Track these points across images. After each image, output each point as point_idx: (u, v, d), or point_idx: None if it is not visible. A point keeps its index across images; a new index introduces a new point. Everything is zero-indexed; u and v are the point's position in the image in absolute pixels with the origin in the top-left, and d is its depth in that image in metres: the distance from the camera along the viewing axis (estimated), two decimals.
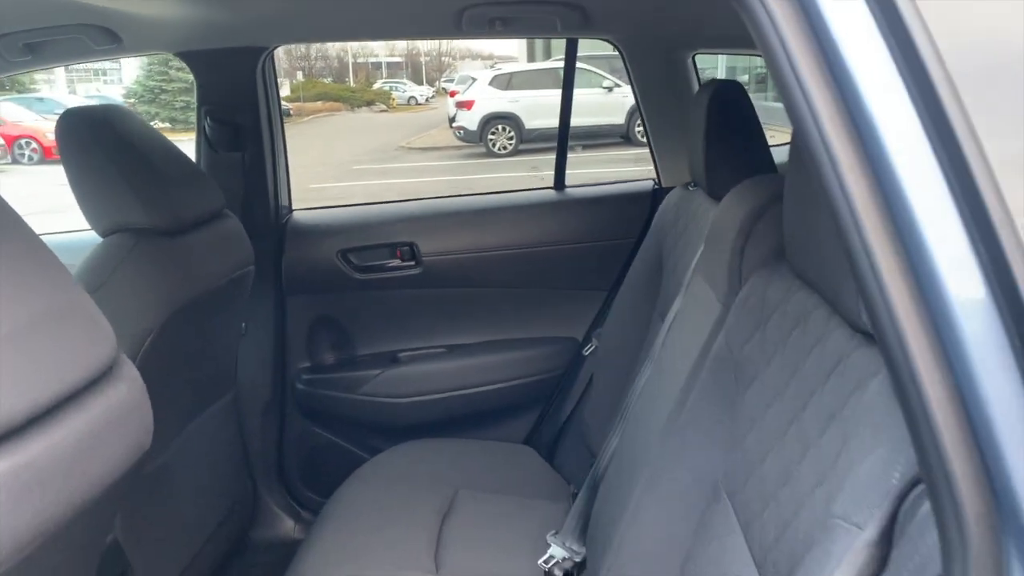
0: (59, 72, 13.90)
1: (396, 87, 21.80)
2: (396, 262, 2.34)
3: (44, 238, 0.98)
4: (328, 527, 1.79)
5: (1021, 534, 0.52)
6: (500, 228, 2.39)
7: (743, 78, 8.05)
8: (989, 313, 0.51)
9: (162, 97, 13.33)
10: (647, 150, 2.41)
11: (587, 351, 2.28)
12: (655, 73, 2.31)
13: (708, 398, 1.25)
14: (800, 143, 0.60)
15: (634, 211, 2.35)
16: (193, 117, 2.25)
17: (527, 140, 12.13)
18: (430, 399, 2.33)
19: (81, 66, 14.80)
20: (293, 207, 2.41)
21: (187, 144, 2.01)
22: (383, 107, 20.18)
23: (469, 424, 2.35)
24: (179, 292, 1.61)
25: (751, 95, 1.71)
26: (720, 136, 1.68)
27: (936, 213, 0.53)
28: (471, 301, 2.40)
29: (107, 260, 1.55)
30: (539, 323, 2.40)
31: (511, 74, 13.16)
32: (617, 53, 2.32)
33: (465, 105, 13.01)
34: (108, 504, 1.13)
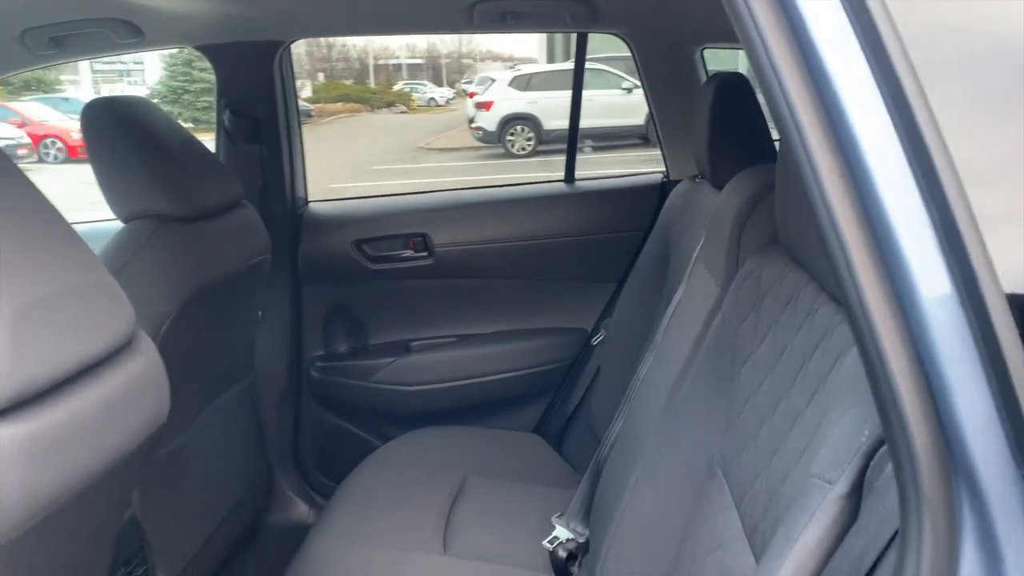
0: (84, 73, 14.10)
1: (416, 88, 21.88)
2: (409, 253, 2.39)
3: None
4: (339, 510, 1.83)
5: (969, 475, 0.56)
6: (511, 220, 2.43)
7: None
8: (939, 266, 0.54)
9: (185, 97, 13.47)
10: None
11: (595, 341, 2.32)
12: (664, 67, 2.35)
13: (705, 380, 1.29)
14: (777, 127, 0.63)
15: (643, 203, 2.39)
16: (215, 117, 2.31)
17: (546, 141, 12.15)
18: (441, 387, 2.38)
19: (106, 67, 15.02)
20: (309, 199, 2.46)
21: (209, 143, 2.07)
22: (403, 108, 20.25)
23: (479, 412, 2.39)
24: (196, 277, 1.66)
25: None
26: (724, 128, 1.72)
27: (900, 193, 0.57)
28: (482, 291, 2.44)
29: (128, 245, 1.60)
30: (549, 314, 2.44)
31: (530, 75, 13.18)
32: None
33: (484, 106, 13.05)
34: (126, 475, 1.18)
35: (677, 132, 2.38)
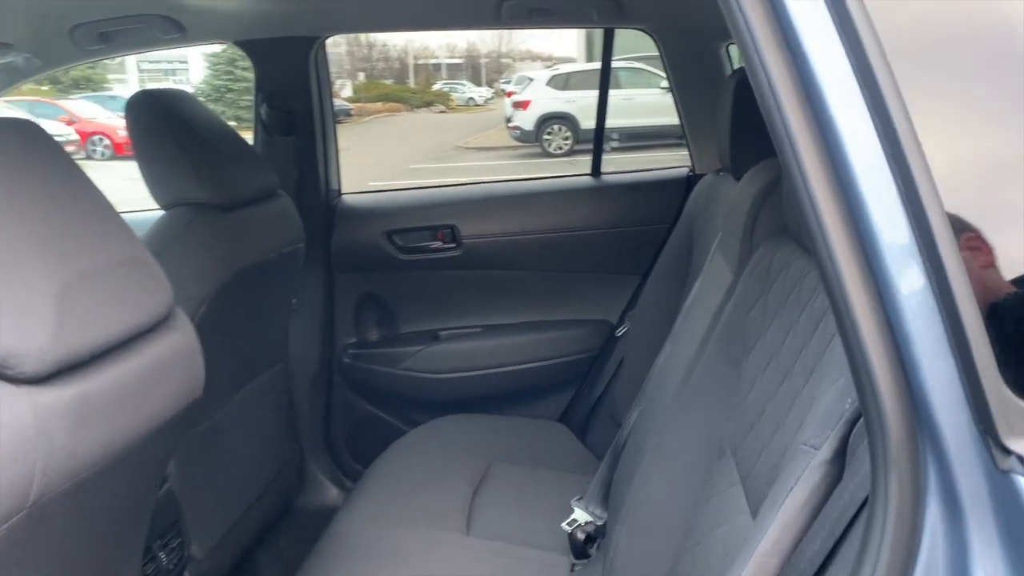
0: (131, 71, 14.42)
1: (455, 88, 21.97)
2: (438, 244, 2.44)
3: None
4: (367, 492, 1.89)
5: (934, 434, 0.59)
6: (538, 213, 2.48)
7: None
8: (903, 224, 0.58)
9: (228, 96, 13.67)
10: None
11: (619, 333, 2.35)
12: (689, 63, 2.38)
13: (715, 364, 1.32)
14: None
15: (668, 197, 2.42)
16: None
17: (583, 140, 12.12)
18: (468, 376, 2.43)
19: (152, 66, 15.32)
20: (343, 191, 2.53)
21: (252, 140, 2.14)
22: (442, 108, 20.35)
23: (505, 401, 2.43)
24: (233, 263, 1.73)
25: None
26: (744, 122, 1.74)
27: (873, 175, 0.60)
28: (509, 283, 2.49)
29: (168, 231, 1.68)
30: (574, 305, 2.48)
31: (568, 74, 13.17)
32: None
33: (521, 105, 13.07)
34: (163, 445, 1.24)
35: (702, 127, 2.40)
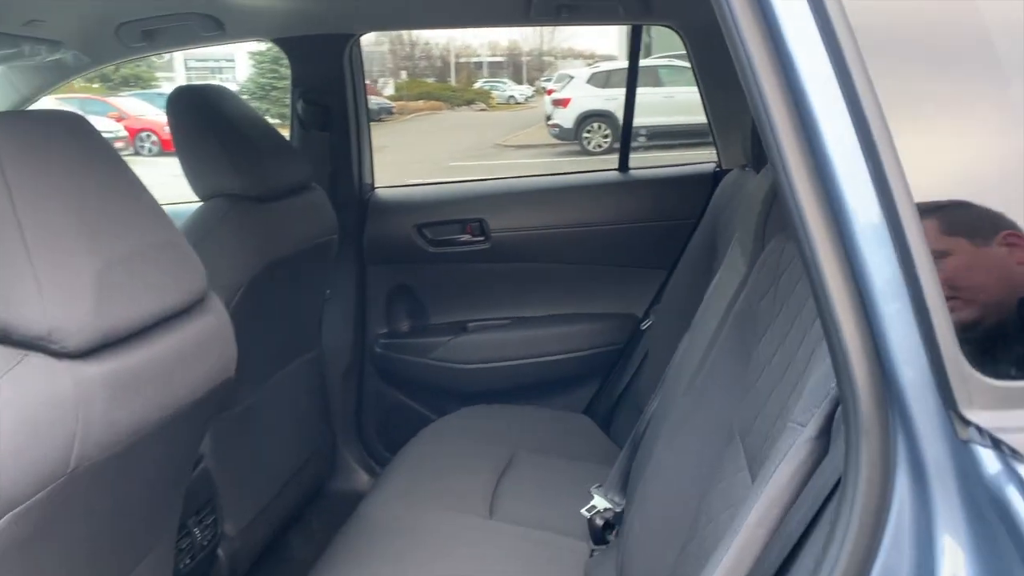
0: (179, 69, 14.72)
1: (496, 86, 21.99)
2: (467, 237, 2.50)
3: None
4: (394, 475, 1.94)
5: (902, 408, 0.62)
6: (565, 207, 2.52)
7: None
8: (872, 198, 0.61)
9: (272, 94, 13.87)
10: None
11: (644, 326, 2.38)
12: (715, 59, 2.39)
13: (727, 353, 1.35)
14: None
15: (695, 192, 2.44)
16: None
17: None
18: (495, 366, 2.48)
19: (199, 64, 15.62)
20: (375, 185, 2.59)
21: None
22: (483, 106, 20.40)
23: (531, 392, 2.47)
24: (267, 253, 1.79)
25: None
26: None
27: (848, 162, 0.64)
28: (536, 276, 2.53)
29: (205, 221, 1.75)
30: (600, 299, 2.51)
31: (609, 72, 13.12)
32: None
33: (561, 103, 13.05)
34: (198, 421, 1.30)
35: (728, 122, 2.42)
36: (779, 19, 0.66)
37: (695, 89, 2.49)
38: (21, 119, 1.06)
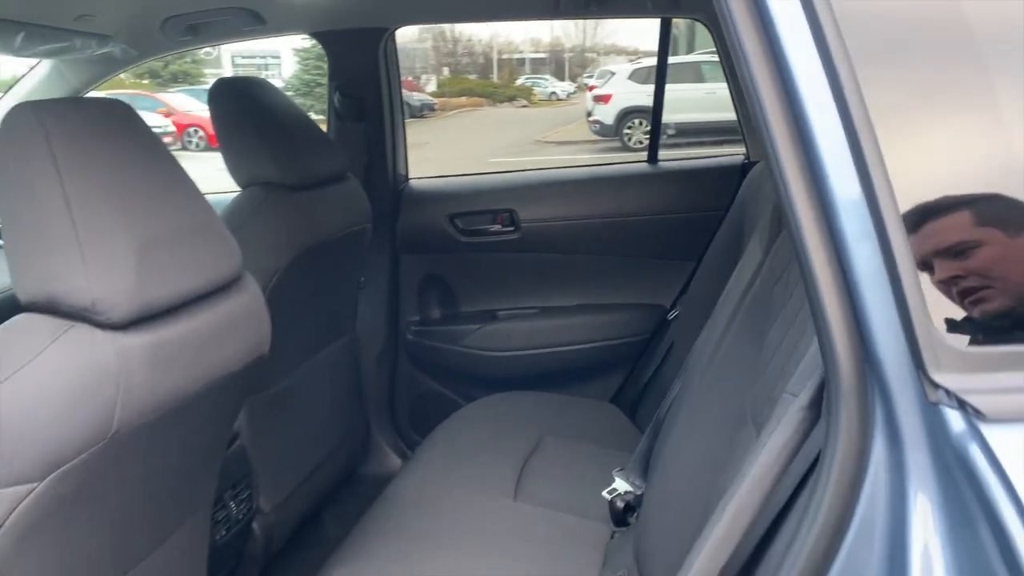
0: (226, 66, 15.02)
1: (538, 83, 21.98)
2: (497, 227, 2.54)
3: None
4: (423, 457, 2.00)
5: (879, 372, 0.66)
6: (594, 198, 2.55)
7: None
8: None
9: (316, 91, 14.06)
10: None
11: (671, 317, 2.41)
12: None
13: (742, 338, 1.38)
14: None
15: (724, 184, 2.46)
16: None
17: (663, 134, 12.01)
18: (524, 354, 2.52)
19: (245, 60, 15.92)
20: (409, 176, 2.65)
21: None
22: (524, 102, 20.41)
23: (559, 380, 2.51)
24: (302, 239, 1.85)
25: None
26: None
27: (836, 154, 0.68)
28: (565, 266, 2.57)
29: (243, 208, 1.81)
30: (628, 289, 2.55)
31: (650, 68, 12.99)
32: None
33: (602, 99, 13.00)
34: (233, 395, 1.37)
35: None
36: (775, 20, 0.70)
37: None
38: (71, 106, 1.13)
